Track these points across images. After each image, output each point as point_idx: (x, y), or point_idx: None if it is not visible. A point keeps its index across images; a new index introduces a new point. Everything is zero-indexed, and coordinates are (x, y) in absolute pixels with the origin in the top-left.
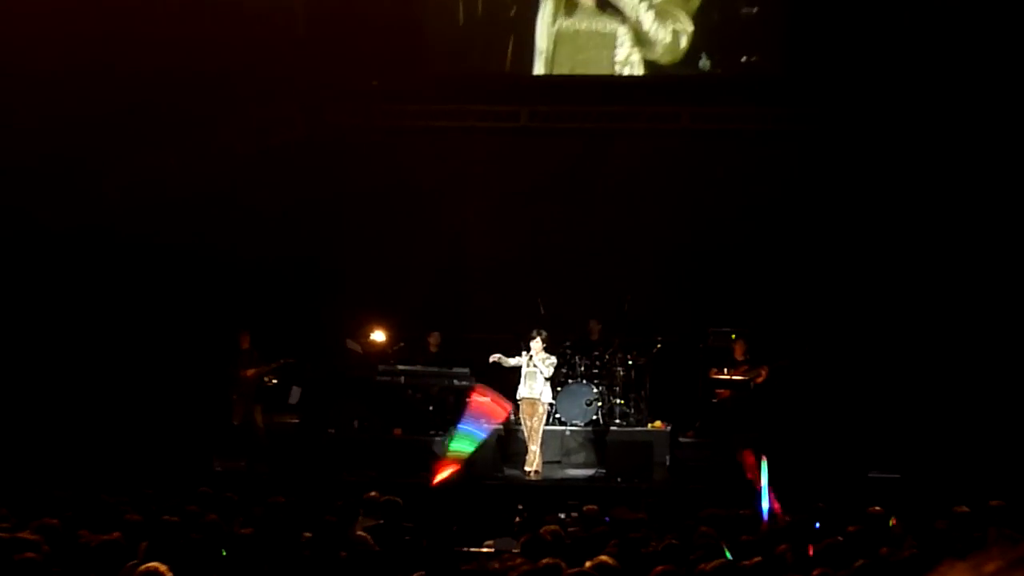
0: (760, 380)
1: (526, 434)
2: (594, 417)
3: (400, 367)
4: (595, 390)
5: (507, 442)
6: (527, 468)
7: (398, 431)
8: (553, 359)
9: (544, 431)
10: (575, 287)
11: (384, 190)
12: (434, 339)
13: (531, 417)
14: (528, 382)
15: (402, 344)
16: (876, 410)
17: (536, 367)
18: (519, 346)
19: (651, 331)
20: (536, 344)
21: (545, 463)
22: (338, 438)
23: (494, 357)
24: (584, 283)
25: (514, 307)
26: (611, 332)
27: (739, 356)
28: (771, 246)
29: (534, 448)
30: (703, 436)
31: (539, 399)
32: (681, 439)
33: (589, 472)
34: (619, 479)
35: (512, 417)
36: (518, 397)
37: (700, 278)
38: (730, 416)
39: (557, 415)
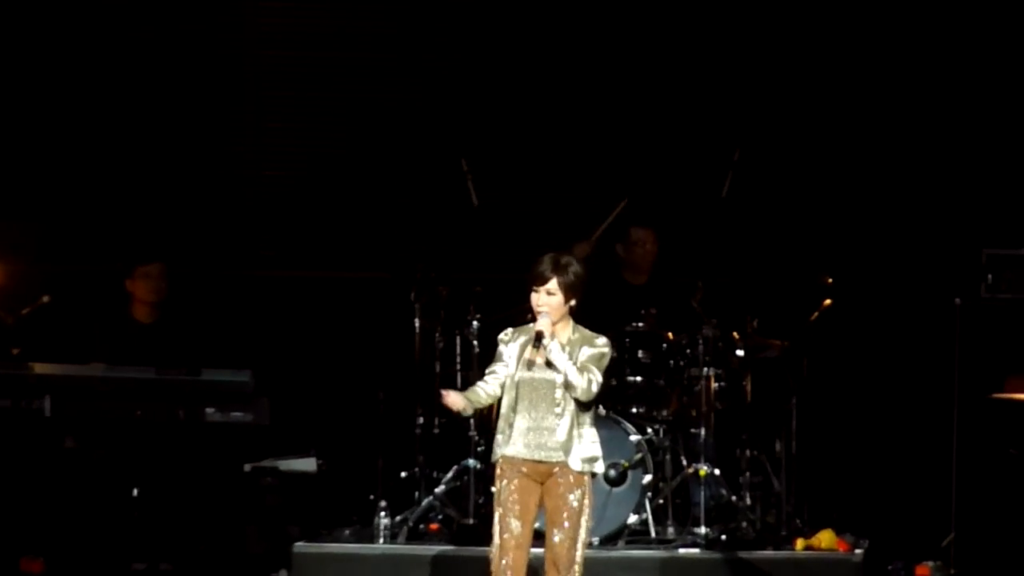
0: None
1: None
2: (633, 518)
3: (41, 369)
4: (637, 437)
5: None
6: None
7: (34, 564)
8: (603, 344)
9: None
10: (568, 133)
11: None
12: (147, 286)
13: (547, 514)
14: (531, 414)
15: (45, 299)
16: None
17: (545, 366)
18: (456, 312)
19: (800, 258)
20: (546, 298)
21: None
22: None
23: (455, 401)
24: (593, 115)
25: (386, 184)
26: (684, 265)
27: None
28: None
29: None
30: (967, 569)
31: (566, 462)
32: None
33: None
34: None
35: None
36: (501, 455)
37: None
38: None
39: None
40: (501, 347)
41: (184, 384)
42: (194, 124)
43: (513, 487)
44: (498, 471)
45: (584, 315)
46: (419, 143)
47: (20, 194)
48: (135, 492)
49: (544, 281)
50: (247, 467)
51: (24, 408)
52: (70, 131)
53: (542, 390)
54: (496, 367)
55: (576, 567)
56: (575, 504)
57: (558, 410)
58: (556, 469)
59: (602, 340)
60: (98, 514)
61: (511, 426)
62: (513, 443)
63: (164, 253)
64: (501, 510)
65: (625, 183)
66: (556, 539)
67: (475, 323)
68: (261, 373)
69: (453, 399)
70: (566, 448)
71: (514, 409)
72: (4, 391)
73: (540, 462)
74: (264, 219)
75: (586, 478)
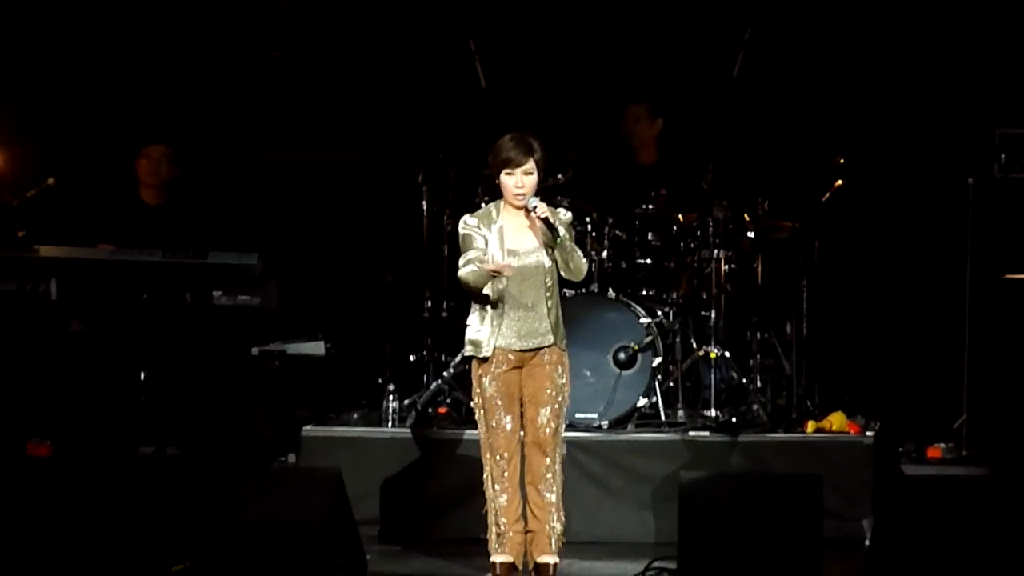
0: None
1: (508, 452)
2: (643, 402)
3: (47, 252)
4: (647, 320)
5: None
6: (540, 558)
7: (40, 447)
8: (568, 216)
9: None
10: (576, 13)
11: None
12: (148, 167)
13: (527, 397)
14: (522, 301)
15: (50, 181)
16: None
17: (519, 246)
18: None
19: (812, 138)
20: (525, 179)
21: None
22: None
23: (507, 265)
24: None
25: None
26: (695, 146)
27: None
28: None
29: (547, 495)
30: (979, 451)
31: (551, 344)
32: (908, 464)
33: (632, 567)
34: None
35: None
36: (484, 350)
37: None
38: None
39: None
40: (472, 233)
41: (191, 267)
42: (200, 4)
43: (500, 382)
44: (479, 366)
45: (594, 196)
46: (427, 23)
47: (25, 75)
48: (142, 375)
49: (519, 164)
50: (254, 351)
51: (30, 291)
52: (76, 11)
53: (532, 277)
54: (478, 253)
55: (560, 446)
56: (561, 380)
57: (548, 293)
58: (547, 353)
59: (563, 211)
60: (105, 398)
61: (496, 318)
62: (503, 334)
63: (169, 135)
64: (486, 406)
65: (635, 63)
66: (543, 418)
67: (483, 206)
68: (268, 256)
69: (505, 264)
70: (555, 330)
71: (500, 301)
72: (9, 274)
73: (529, 350)
74: (270, 100)
75: (566, 354)
